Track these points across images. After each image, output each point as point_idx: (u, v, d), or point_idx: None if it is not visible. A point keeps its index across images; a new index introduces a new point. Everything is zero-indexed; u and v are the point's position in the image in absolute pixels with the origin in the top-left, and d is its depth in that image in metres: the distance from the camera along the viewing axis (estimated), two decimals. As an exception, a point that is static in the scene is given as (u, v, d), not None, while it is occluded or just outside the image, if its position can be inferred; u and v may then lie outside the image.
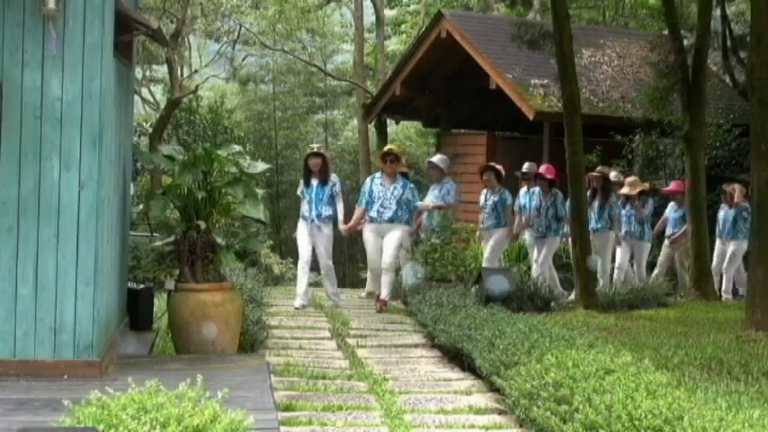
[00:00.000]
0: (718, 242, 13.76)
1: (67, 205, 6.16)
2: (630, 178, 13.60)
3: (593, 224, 12.48)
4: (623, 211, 13.23)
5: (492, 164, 12.92)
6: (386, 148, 12.25)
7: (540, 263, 12.23)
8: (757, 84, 9.53)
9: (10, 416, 5.05)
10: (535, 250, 12.42)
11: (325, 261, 11.38)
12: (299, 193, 11.69)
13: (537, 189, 12.44)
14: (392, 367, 7.87)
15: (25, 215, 6.15)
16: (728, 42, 19.78)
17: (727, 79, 20.48)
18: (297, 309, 10.97)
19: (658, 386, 5.16)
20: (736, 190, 13.72)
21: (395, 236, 11.15)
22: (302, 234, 11.31)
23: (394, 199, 11.21)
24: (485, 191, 12.50)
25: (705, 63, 14.39)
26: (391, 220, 11.19)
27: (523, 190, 12.96)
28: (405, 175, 11.84)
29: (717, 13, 18.19)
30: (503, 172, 12.55)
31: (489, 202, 12.34)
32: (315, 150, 11.49)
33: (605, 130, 16.59)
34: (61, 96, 6.17)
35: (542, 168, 12.80)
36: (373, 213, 11.30)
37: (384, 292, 11.13)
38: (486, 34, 17.95)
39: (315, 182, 11.26)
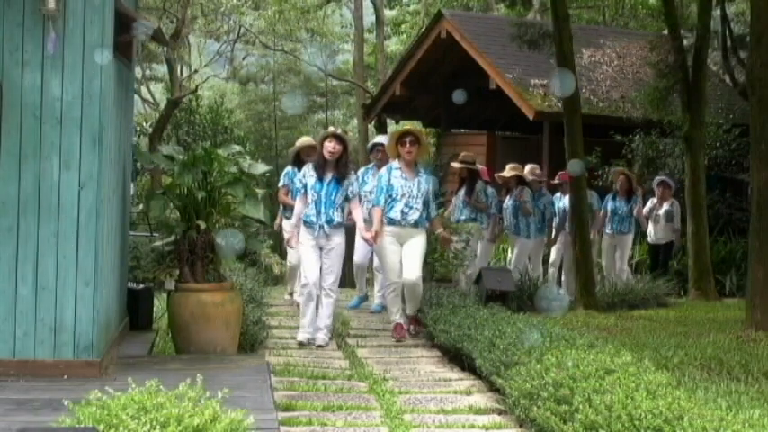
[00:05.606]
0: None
1: (67, 205, 6.16)
2: (511, 164, 12.32)
3: (456, 215, 11.82)
4: (505, 203, 12.23)
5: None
6: (402, 129, 9.79)
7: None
8: (757, 84, 9.53)
9: (10, 416, 5.05)
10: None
11: (331, 283, 8.65)
12: (299, 182, 8.88)
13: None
14: (392, 367, 7.86)
15: (25, 215, 6.15)
16: (728, 42, 19.80)
17: (727, 79, 20.50)
18: (302, 343, 8.64)
19: (658, 386, 5.15)
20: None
21: (419, 242, 9.11)
22: (308, 247, 8.65)
23: (420, 197, 9.06)
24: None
25: (705, 63, 14.41)
26: (416, 224, 9.09)
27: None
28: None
29: (717, 13, 18.21)
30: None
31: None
32: (335, 132, 8.75)
33: (605, 130, 16.59)
34: (61, 96, 6.17)
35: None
36: (394, 214, 9.04)
37: (411, 309, 9.30)
38: (486, 34, 17.97)
39: (329, 176, 8.66)
